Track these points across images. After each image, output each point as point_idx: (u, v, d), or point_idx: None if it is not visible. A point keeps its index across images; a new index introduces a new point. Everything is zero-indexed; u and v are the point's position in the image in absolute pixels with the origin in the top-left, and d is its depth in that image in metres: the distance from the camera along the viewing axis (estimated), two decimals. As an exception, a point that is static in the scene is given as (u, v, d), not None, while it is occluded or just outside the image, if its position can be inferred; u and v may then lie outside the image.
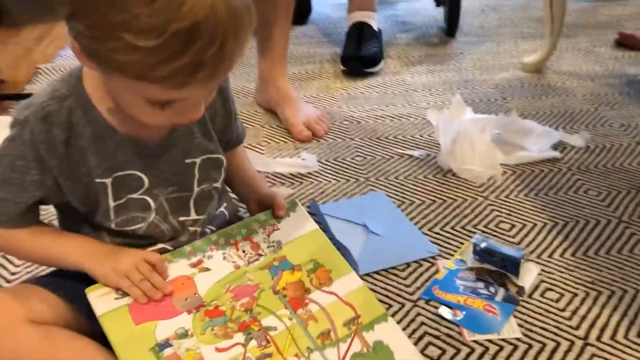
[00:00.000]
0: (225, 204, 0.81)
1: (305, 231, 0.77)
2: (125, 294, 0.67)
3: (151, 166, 0.67)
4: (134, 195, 0.67)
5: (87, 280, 0.67)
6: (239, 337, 0.66)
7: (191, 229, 0.73)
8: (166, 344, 0.64)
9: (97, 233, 0.70)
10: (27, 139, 0.62)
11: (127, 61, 0.51)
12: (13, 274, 0.92)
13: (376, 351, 0.67)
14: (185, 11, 0.49)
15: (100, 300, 0.66)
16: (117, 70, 0.53)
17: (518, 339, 0.79)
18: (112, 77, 0.56)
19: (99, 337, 0.66)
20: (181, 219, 0.71)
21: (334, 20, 2.03)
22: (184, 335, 0.65)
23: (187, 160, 0.70)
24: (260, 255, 0.74)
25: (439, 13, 2.01)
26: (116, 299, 0.67)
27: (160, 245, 0.72)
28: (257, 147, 1.26)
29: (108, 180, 0.66)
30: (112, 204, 0.66)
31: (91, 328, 0.66)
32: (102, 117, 0.64)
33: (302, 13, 2.03)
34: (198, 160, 0.70)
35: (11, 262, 0.94)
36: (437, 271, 0.91)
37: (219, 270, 0.71)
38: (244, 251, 0.74)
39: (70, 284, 0.68)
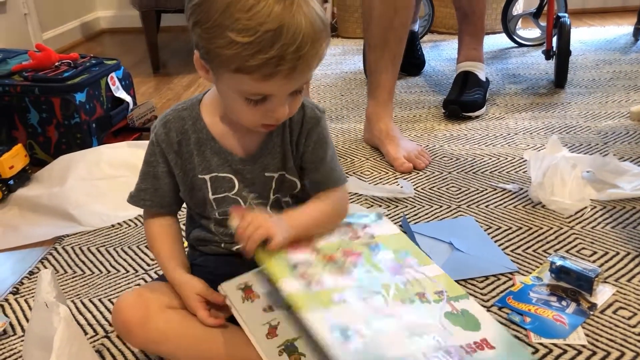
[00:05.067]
0: None
1: (392, 232, 0.90)
2: None
3: (239, 172, 0.83)
4: (229, 194, 0.83)
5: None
6: (353, 274, 0.79)
7: None
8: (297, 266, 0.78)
9: (208, 222, 0.86)
10: (154, 140, 0.83)
11: (229, 54, 0.67)
12: (152, 260, 1.13)
13: (464, 315, 0.77)
14: (273, 16, 0.66)
15: None
16: (223, 65, 0.69)
17: (583, 346, 0.84)
18: (220, 76, 0.73)
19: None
20: None
21: (445, 73, 2.17)
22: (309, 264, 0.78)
23: (267, 174, 0.83)
24: (359, 237, 0.87)
25: (550, 67, 2.08)
26: None
27: None
28: (360, 176, 1.41)
29: (207, 177, 0.83)
30: (211, 197, 0.83)
31: None
32: (207, 128, 0.82)
33: (416, 65, 2.20)
34: (275, 175, 0.84)
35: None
36: (513, 285, 0.98)
37: (330, 239, 0.85)
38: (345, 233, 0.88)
39: None
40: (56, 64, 1.63)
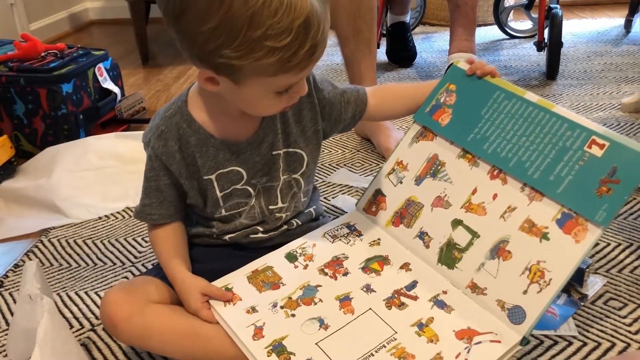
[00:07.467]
0: (314, 206, 0.94)
1: None
2: None
3: (246, 161, 0.82)
4: (237, 186, 0.83)
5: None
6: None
7: (277, 215, 0.86)
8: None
9: (209, 223, 0.87)
10: (152, 155, 0.81)
11: (270, 62, 0.66)
12: (140, 252, 1.11)
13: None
14: (298, 9, 0.64)
15: None
16: (260, 74, 0.68)
17: (574, 337, 0.84)
18: (245, 85, 0.70)
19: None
20: (270, 207, 0.85)
21: (437, 64, 2.16)
22: None
23: (274, 152, 0.83)
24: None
25: (542, 59, 2.08)
26: None
27: (251, 228, 0.86)
28: (351, 167, 1.40)
29: (213, 177, 0.81)
30: (219, 194, 0.82)
31: None
32: (203, 127, 0.80)
33: (408, 57, 2.18)
34: (282, 152, 0.83)
35: (139, 244, 1.14)
36: (504, 276, 0.98)
37: None
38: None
39: None
40: (42, 54, 1.60)
